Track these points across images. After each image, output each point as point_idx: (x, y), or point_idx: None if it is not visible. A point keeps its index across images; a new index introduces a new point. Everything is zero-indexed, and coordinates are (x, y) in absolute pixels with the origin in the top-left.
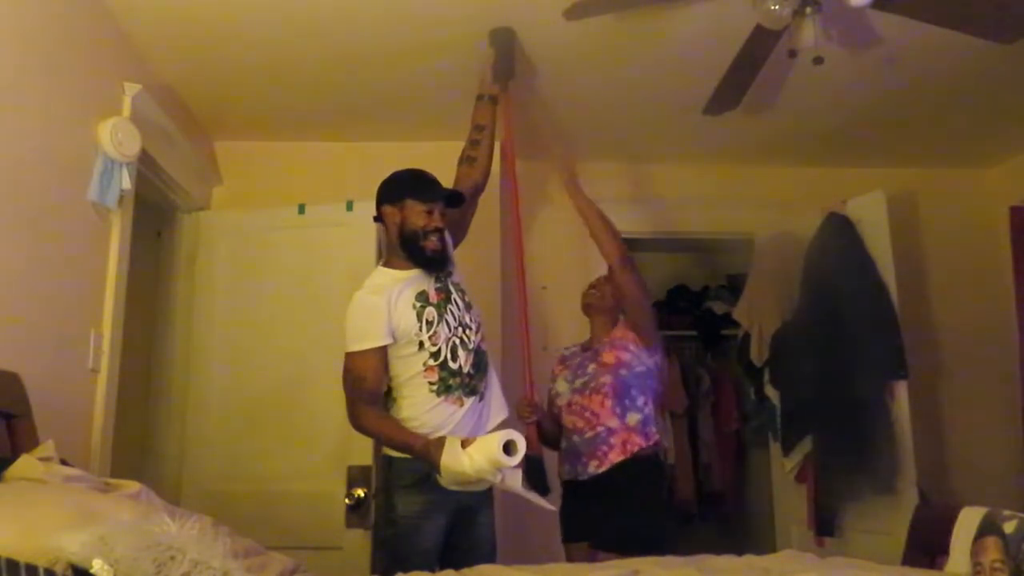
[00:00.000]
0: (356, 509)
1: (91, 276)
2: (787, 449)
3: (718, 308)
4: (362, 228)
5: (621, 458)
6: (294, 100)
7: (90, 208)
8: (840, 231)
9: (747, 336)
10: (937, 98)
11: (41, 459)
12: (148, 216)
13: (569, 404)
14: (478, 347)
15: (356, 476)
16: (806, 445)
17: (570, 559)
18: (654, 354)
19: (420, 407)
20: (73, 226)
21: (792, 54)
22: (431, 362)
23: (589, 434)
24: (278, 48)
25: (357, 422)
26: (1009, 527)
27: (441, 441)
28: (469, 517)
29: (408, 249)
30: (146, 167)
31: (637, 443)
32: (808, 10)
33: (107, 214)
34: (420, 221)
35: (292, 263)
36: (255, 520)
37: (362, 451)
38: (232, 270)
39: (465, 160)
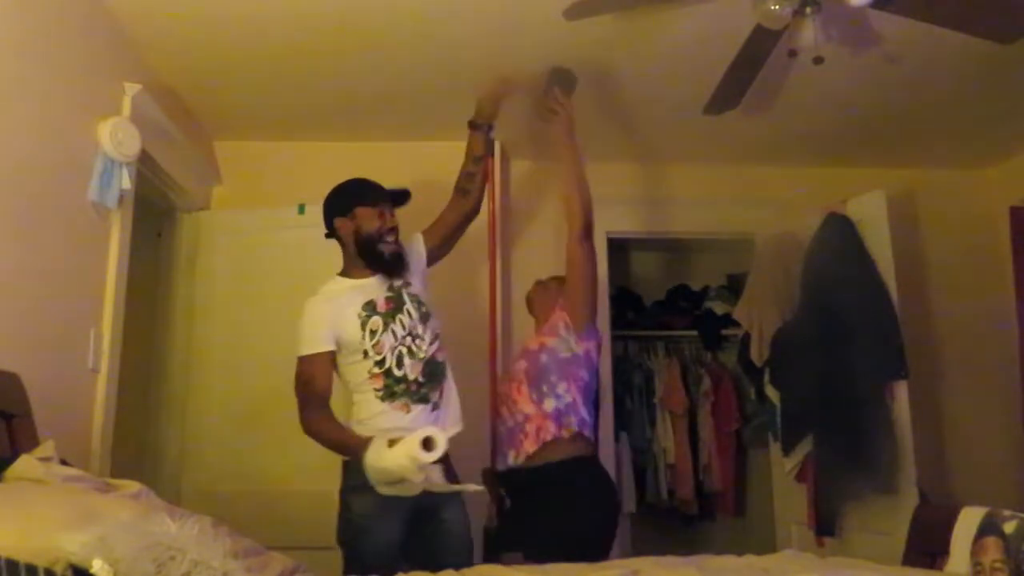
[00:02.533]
0: None
1: (91, 276)
2: (787, 449)
3: (718, 308)
4: None
5: (534, 447)
6: (294, 100)
7: (90, 208)
8: (840, 231)
9: (747, 336)
10: (937, 98)
11: (41, 459)
12: (148, 216)
13: (498, 395)
14: (432, 357)
15: None
16: (806, 445)
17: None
18: (585, 340)
19: (368, 411)
20: (73, 226)
21: (792, 54)
22: (376, 369)
23: (511, 423)
24: (278, 48)
25: (306, 427)
26: (1009, 527)
27: (370, 440)
28: (431, 517)
29: (367, 255)
30: (146, 167)
31: (550, 431)
32: (808, 10)
33: (107, 214)
34: (374, 224)
35: (292, 263)
36: (255, 520)
37: None
38: (232, 270)
39: (459, 190)
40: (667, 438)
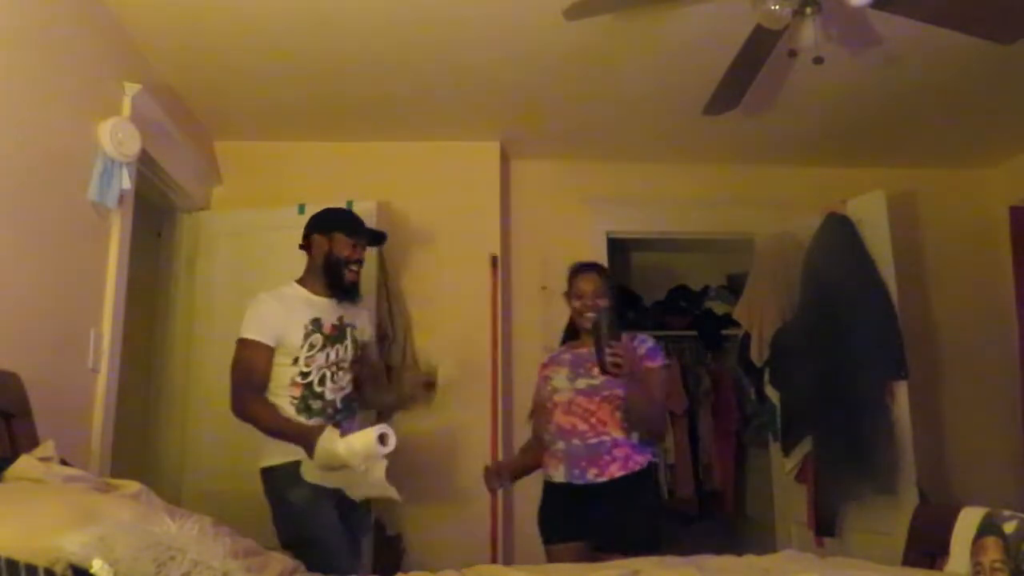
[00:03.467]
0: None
1: (91, 276)
2: (787, 449)
3: (718, 308)
4: None
5: (621, 473)
6: (294, 100)
7: (90, 208)
8: (840, 231)
9: (747, 336)
10: (937, 98)
11: (41, 459)
12: (148, 216)
13: (570, 404)
14: (349, 393)
15: None
16: (806, 445)
17: (555, 560)
18: None
19: None
20: (73, 226)
21: (792, 54)
22: (298, 379)
23: (593, 440)
24: (278, 48)
25: (243, 409)
26: (1009, 527)
27: (321, 428)
28: (351, 507)
29: (329, 274)
30: (146, 167)
31: (638, 462)
32: (808, 10)
33: (107, 214)
34: (345, 251)
35: (292, 263)
36: (255, 520)
37: None
38: (232, 270)
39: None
40: (667, 438)
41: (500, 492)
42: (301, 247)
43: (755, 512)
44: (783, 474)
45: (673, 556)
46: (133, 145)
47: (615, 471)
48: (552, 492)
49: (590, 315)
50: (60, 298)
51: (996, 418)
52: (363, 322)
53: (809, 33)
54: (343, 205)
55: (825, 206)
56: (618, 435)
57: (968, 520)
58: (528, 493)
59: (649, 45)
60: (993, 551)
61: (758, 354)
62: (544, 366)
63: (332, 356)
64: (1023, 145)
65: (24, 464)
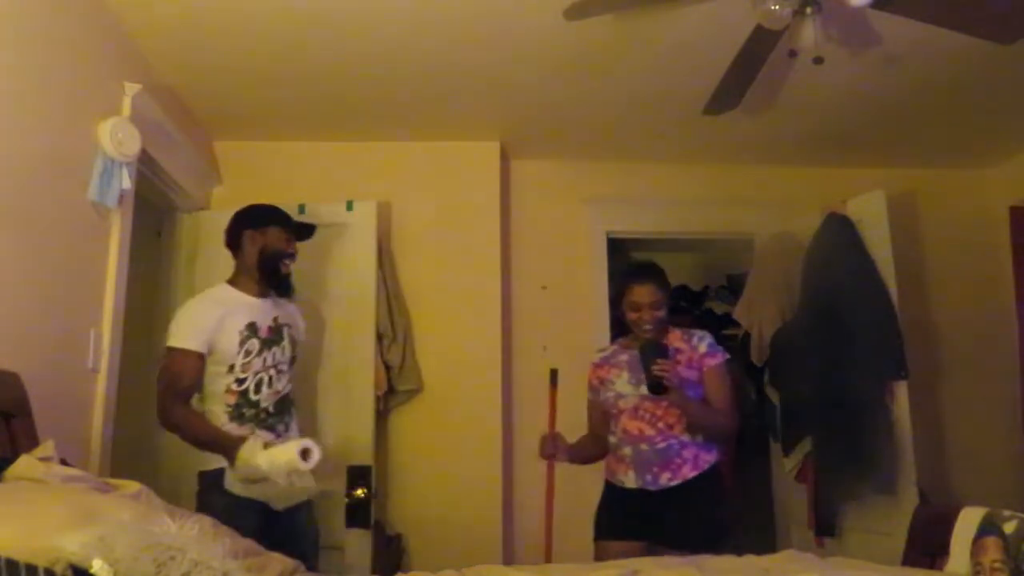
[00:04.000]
0: (356, 509)
1: (91, 276)
2: (787, 449)
3: (718, 308)
4: (362, 228)
5: (694, 473)
6: (294, 100)
7: (90, 208)
8: (840, 231)
9: (747, 336)
10: (937, 98)
11: (41, 459)
12: (148, 216)
13: (636, 409)
14: (286, 394)
15: (356, 476)
16: (806, 445)
17: (605, 557)
18: None
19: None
20: (73, 226)
21: (792, 54)
22: (234, 387)
23: (662, 444)
24: (278, 48)
25: (168, 418)
26: (1009, 527)
27: (244, 438)
28: (285, 514)
29: (265, 269)
30: (146, 167)
31: (707, 460)
32: (808, 10)
33: (107, 214)
34: (280, 245)
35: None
36: None
37: (362, 451)
38: (232, 270)
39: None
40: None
41: (498, 491)
42: (227, 246)
43: (755, 512)
44: (783, 474)
45: (673, 556)
46: (133, 145)
47: (687, 472)
48: (619, 494)
49: (648, 327)
50: (60, 298)
51: (996, 418)
52: (299, 323)
53: (809, 33)
54: (343, 205)
55: (825, 206)
56: (685, 437)
57: (968, 520)
58: (528, 490)
59: (649, 45)
60: (993, 551)
61: (758, 354)
62: (597, 366)
63: (269, 360)
64: (1023, 145)
65: (24, 464)
